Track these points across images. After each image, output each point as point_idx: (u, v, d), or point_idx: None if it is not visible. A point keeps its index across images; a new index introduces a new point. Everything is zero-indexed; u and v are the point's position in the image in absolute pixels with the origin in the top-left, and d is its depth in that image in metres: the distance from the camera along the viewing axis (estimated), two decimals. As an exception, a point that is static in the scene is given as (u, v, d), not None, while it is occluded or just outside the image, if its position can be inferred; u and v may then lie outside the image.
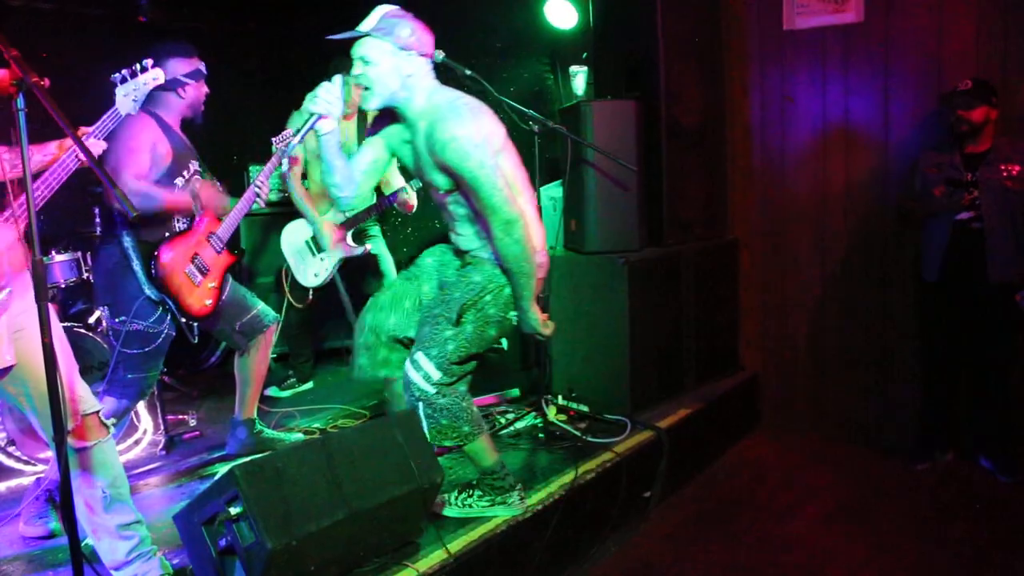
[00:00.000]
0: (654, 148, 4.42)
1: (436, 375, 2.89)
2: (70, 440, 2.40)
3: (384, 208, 4.62)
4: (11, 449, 3.73)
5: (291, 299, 4.84)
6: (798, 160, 4.97)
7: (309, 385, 5.17)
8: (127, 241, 3.30)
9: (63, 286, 4.33)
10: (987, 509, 3.87)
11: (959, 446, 4.39)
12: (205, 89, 3.51)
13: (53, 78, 2.12)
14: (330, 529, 2.45)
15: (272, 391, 4.95)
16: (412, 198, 4.52)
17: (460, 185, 2.83)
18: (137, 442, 4.08)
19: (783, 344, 5.13)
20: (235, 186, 3.80)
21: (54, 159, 2.50)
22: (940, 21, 4.45)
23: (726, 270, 5.07)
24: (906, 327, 4.63)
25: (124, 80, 2.72)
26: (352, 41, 2.78)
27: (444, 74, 3.50)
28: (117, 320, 3.34)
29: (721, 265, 5.01)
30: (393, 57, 2.73)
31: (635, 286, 4.14)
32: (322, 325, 5.46)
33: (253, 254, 5.63)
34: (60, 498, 2.51)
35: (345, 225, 4.62)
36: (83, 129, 2.65)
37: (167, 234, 3.38)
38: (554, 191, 4.50)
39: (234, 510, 2.37)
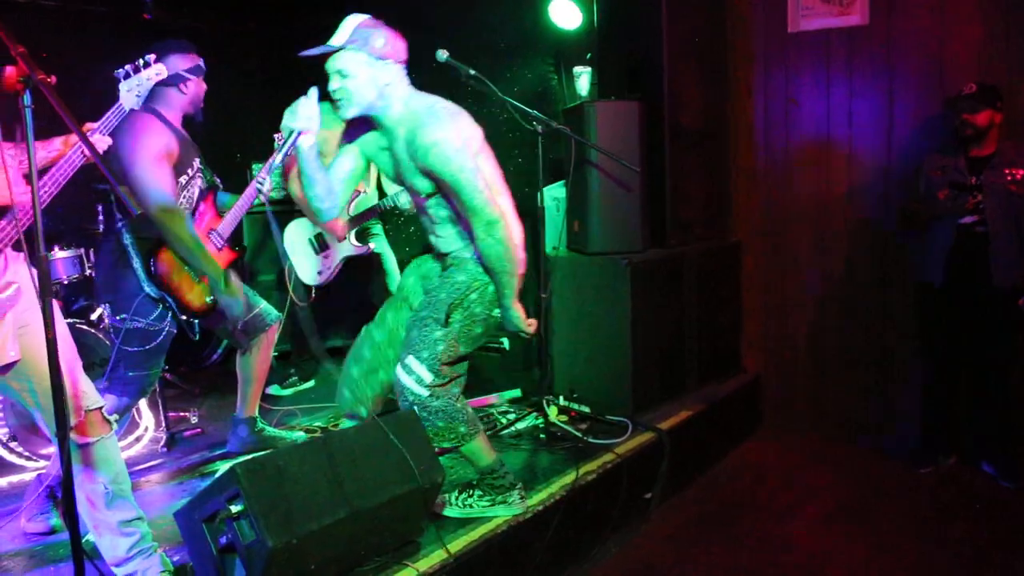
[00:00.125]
0: (657, 149, 4.41)
1: (428, 377, 2.89)
2: (72, 436, 2.40)
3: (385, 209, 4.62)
4: (13, 445, 3.74)
5: (293, 297, 4.83)
6: (801, 162, 4.97)
7: (311, 383, 5.17)
8: (127, 238, 3.30)
9: (66, 282, 4.34)
10: (987, 510, 3.88)
11: (961, 450, 4.39)
12: (204, 86, 3.52)
13: (54, 75, 2.12)
14: (331, 528, 2.46)
15: (273, 389, 4.95)
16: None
17: (442, 188, 2.85)
18: (138, 439, 4.08)
19: (784, 345, 5.13)
20: (238, 184, 3.80)
21: (59, 155, 2.50)
22: (943, 24, 4.46)
23: (728, 271, 5.08)
24: (906, 328, 4.64)
25: (127, 76, 2.73)
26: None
27: (447, 74, 3.51)
28: (118, 317, 3.34)
29: (723, 266, 5.01)
30: (370, 68, 2.73)
31: (638, 287, 4.14)
32: (325, 323, 5.46)
33: (255, 251, 5.62)
34: (62, 494, 2.52)
35: (349, 224, 4.62)
36: (88, 125, 2.66)
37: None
38: (557, 191, 4.50)
39: (235, 508, 2.37)
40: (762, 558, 3.51)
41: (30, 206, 1.99)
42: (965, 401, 4.35)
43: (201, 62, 3.47)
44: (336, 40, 2.72)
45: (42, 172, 2.39)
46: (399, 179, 2.98)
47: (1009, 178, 3.81)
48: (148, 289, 3.28)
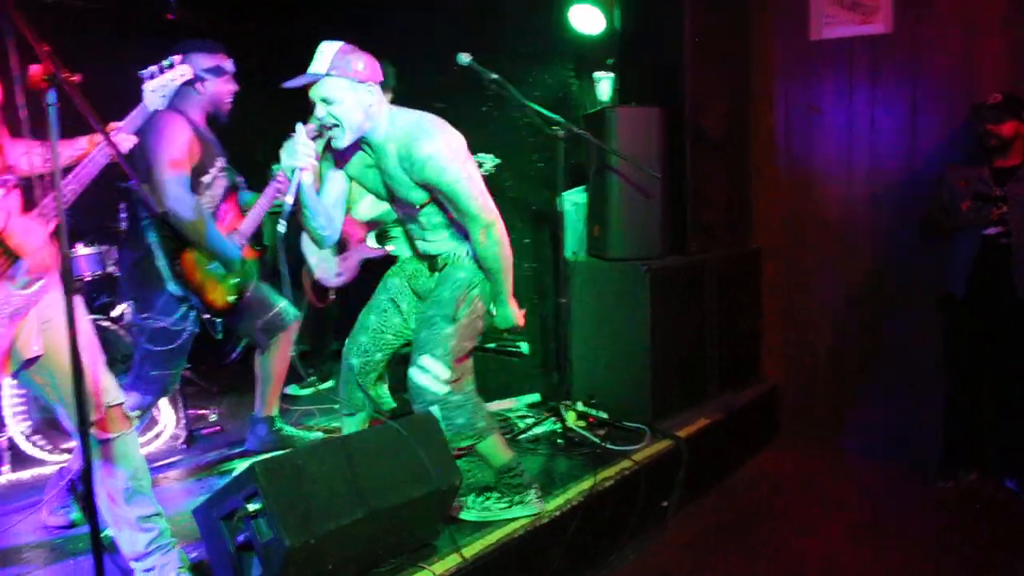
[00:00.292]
0: (678, 155, 4.40)
1: (446, 373, 2.95)
2: (93, 431, 2.42)
3: None
4: (35, 438, 3.77)
5: (313, 297, 4.86)
6: (823, 169, 4.94)
7: (329, 383, 5.18)
8: (151, 237, 3.33)
9: (88, 279, 4.38)
10: (1011, 529, 3.82)
11: (983, 465, 4.34)
12: (231, 87, 3.53)
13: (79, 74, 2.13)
14: (348, 528, 2.46)
15: (291, 389, 4.96)
16: None
17: (436, 197, 2.92)
18: (158, 436, 4.11)
19: (804, 352, 5.09)
20: (258, 184, 3.82)
21: (84, 154, 2.52)
22: (971, 34, 4.41)
23: (749, 278, 5.05)
24: (928, 339, 4.58)
25: (152, 76, 2.75)
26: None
27: (468, 77, 3.52)
28: (142, 316, 3.36)
29: (744, 273, 4.98)
30: (354, 92, 2.77)
31: (657, 294, 4.13)
32: (343, 324, 5.47)
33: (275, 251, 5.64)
34: (82, 488, 2.54)
35: (367, 226, 4.64)
36: (112, 125, 2.68)
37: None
38: (577, 196, 4.49)
39: (253, 506, 2.38)
40: (779, 568, 3.49)
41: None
42: (987, 414, 4.30)
43: (225, 63, 3.49)
44: (317, 68, 2.75)
45: (67, 170, 2.41)
46: (389, 194, 3.03)
47: (1034, 189, 3.78)
48: (172, 288, 3.30)
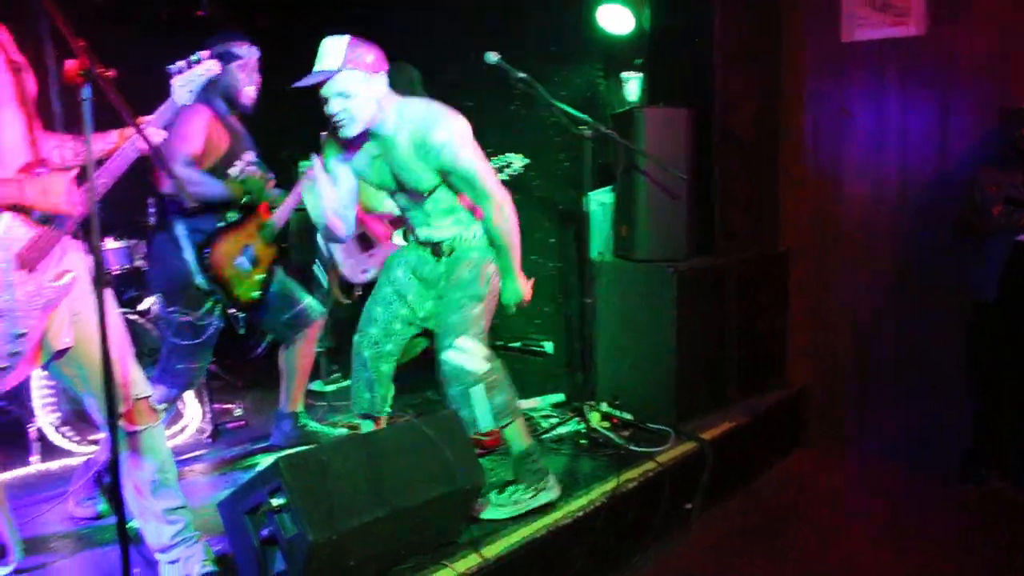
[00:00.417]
0: (706, 157, 4.37)
1: (484, 350, 3.02)
2: (121, 423, 2.43)
3: None
4: (64, 430, 3.81)
5: (338, 294, 4.87)
6: (852, 172, 4.88)
7: (353, 380, 5.19)
8: (180, 230, 3.35)
9: (116, 272, 4.42)
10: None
11: (1007, 471, 4.27)
12: (240, 76, 3.51)
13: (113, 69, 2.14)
14: (371, 525, 2.46)
15: (316, 385, 4.98)
16: None
17: (448, 181, 2.97)
18: (183, 429, 4.14)
19: (831, 354, 5.04)
20: (286, 180, 3.83)
21: (115, 148, 2.54)
22: (1007, 37, 4.34)
23: (776, 281, 5.00)
24: (956, 342, 4.52)
25: (180, 71, 2.76)
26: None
27: (496, 76, 3.52)
28: (168, 310, 3.39)
29: (771, 276, 4.94)
30: (367, 84, 2.80)
31: (683, 296, 4.10)
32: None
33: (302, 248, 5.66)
34: (109, 480, 2.55)
35: (393, 224, 4.65)
36: (142, 119, 2.69)
37: (219, 224, 3.42)
38: (604, 197, 4.47)
39: (277, 501, 2.39)
40: (804, 569, 3.47)
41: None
42: (1012, 418, 4.24)
43: (239, 48, 3.49)
44: (329, 64, 2.76)
45: (97, 163, 2.43)
46: (397, 183, 3.04)
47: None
48: (199, 281, 3.32)
